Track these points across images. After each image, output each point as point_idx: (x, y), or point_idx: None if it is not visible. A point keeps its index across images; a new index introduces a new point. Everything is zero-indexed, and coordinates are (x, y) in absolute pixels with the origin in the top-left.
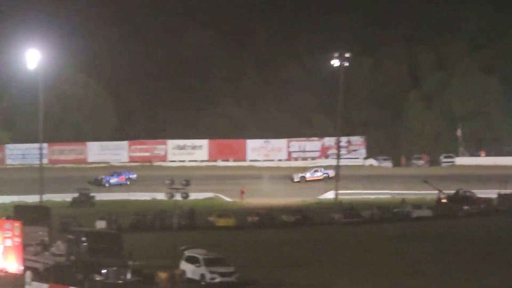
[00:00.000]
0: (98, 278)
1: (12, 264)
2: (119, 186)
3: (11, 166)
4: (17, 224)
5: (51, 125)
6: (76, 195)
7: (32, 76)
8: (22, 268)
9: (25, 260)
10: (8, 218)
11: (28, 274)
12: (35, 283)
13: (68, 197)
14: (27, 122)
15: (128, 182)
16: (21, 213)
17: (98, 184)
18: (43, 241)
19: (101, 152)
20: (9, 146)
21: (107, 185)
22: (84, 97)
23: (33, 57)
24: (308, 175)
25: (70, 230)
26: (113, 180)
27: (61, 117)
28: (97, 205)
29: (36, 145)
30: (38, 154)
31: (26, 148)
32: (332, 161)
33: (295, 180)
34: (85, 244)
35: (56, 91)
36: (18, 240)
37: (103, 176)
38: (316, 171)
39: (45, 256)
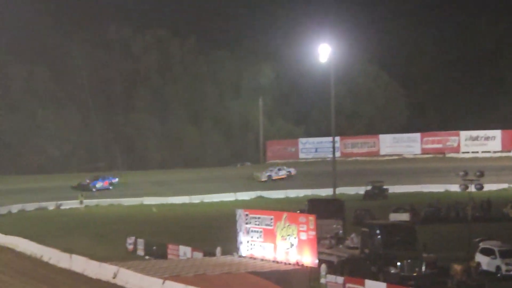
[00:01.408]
0: (393, 270)
1: (307, 257)
2: (107, 191)
3: (304, 160)
4: (311, 217)
5: (343, 118)
6: (369, 187)
7: (323, 70)
8: (317, 261)
9: (320, 253)
10: (302, 211)
11: (323, 267)
12: (330, 276)
13: (361, 190)
14: (319, 115)
15: (111, 187)
16: (315, 207)
17: (85, 189)
18: (338, 234)
19: (393, 144)
20: (302, 140)
21: (94, 190)
22: (375, 89)
23: (324, 51)
24: (273, 174)
25: (364, 223)
26: (99, 184)
27: (353, 110)
28: (390, 198)
29: (329, 138)
30: (330, 148)
31: (319, 142)
32: None
33: (262, 179)
34: (379, 237)
35: (348, 84)
36: (312, 233)
37: (88, 181)
38: (280, 169)
39: (340, 249)
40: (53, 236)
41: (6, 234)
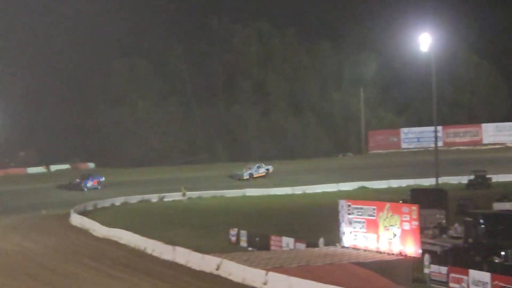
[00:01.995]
0: (497, 260)
1: (411, 248)
2: (96, 190)
3: (406, 149)
4: (414, 207)
5: (445, 107)
6: (472, 177)
7: (425, 59)
8: (420, 251)
9: (423, 243)
10: (404, 201)
11: (427, 257)
12: (434, 266)
13: (464, 179)
14: (421, 105)
15: (99, 187)
16: (418, 196)
17: (76, 188)
18: (441, 224)
19: (496, 133)
20: (404, 129)
21: (85, 189)
22: (477, 78)
23: (425, 40)
24: (254, 172)
25: (467, 212)
26: (89, 183)
27: (455, 99)
28: (493, 187)
29: (431, 128)
30: (432, 137)
31: (421, 132)
32: None
33: (245, 177)
34: (483, 226)
35: (449, 73)
36: (415, 223)
37: (78, 180)
38: (259, 167)
39: (443, 239)
40: (156, 228)
41: (109, 226)
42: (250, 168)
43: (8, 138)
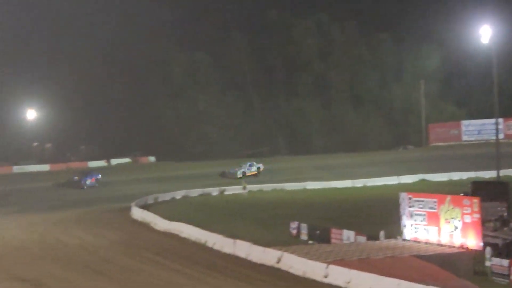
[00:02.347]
0: None
1: (472, 240)
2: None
3: (467, 142)
4: (475, 200)
5: (506, 99)
6: None
7: (486, 51)
8: (481, 244)
9: (484, 236)
10: (465, 194)
11: (488, 250)
12: (495, 259)
13: None
14: (482, 97)
15: (97, 184)
16: (479, 189)
17: (75, 186)
18: (502, 216)
19: None
20: (465, 122)
21: (85, 187)
22: None
23: (486, 33)
24: (247, 170)
25: None
26: (89, 181)
27: None
28: None
29: (492, 120)
30: (493, 130)
31: (482, 124)
32: None
33: (238, 176)
34: None
35: (510, 65)
36: (477, 216)
37: (77, 178)
38: (251, 165)
39: (505, 232)
40: (217, 222)
41: (170, 220)
42: (241, 167)
43: (69, 133)
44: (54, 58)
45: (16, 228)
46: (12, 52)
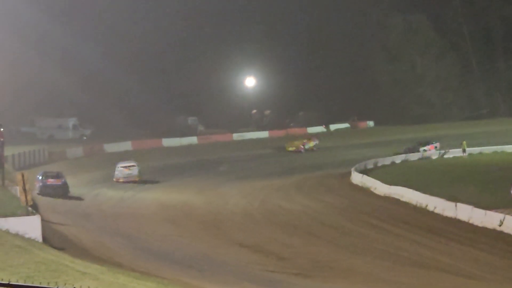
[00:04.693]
0: None
1: None
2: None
3: None
4: None
5: None
6: None
7: None
8: None
9: None
10: None
11: None
12: None
13: None
14: None
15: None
16: None
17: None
18: None
19: None
20: None
21: (303, 151)
22: None
23: None
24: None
25: None
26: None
27: None
28: None
29: None
30: None
31: None
32: None
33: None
34: None
35: None
36: None
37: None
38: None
39: None
40: (437, 186)
41: (390, 184)
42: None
43: (288, 99)
44: (272, 29)
45: (237, 194)
46: (231, 20)
